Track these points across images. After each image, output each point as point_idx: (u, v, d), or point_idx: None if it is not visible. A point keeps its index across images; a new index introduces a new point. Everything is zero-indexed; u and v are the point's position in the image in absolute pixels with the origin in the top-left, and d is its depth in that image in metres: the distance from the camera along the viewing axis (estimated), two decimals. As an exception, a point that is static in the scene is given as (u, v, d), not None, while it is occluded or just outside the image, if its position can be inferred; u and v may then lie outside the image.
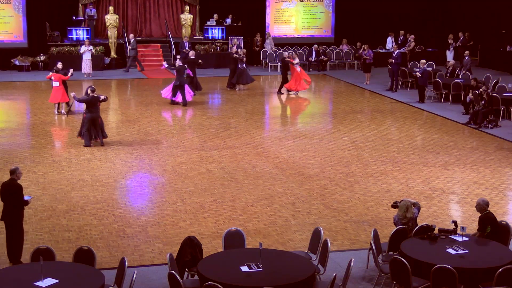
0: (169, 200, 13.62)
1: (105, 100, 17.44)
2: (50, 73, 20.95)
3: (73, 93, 17.79)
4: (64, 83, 20.60)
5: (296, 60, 24.97)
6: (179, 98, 22.13)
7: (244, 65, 25.13)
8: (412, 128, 19.86)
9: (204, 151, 17.03)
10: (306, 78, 25.07)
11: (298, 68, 24.76)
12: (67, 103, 20.83)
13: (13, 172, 10.58)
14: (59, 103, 20.79)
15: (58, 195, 13.78)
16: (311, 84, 25.51)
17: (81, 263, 9.23)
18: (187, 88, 22.35)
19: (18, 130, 19.43)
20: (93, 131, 17.20)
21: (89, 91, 17.10)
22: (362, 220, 12.68)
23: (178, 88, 22.07)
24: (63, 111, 20.83)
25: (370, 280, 10.22)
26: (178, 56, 22.57)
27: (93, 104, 17.00)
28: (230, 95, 25.02)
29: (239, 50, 25.43)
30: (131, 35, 28.83)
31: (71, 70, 20.72)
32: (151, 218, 12.64)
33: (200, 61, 25.00)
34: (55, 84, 20.45)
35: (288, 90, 24.83)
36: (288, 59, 24.76)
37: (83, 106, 17.90)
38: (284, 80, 24.78)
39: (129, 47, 28.71)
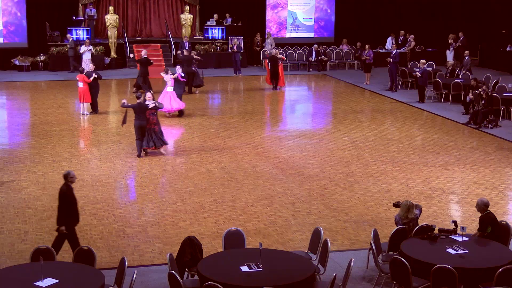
0: (169, 200, 13.62)
1: (156, 108, 16.38)
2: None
3: (124, 100, 16.82)
4: (90, 85, 20.59)
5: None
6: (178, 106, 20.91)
7: (197, 68, 24.65)
8: (412, 128, 19.86)
9: (204, 151, 17.02)
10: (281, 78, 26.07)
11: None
12: (91, 105, 20.92)
13: (65, 176, 10.42)
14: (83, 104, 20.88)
15: (58, 195, 13.76)
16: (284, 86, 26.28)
17: (81, 263, 9.23)
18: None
19: (18, 130, 19.44)
20: (146, 139, 16.40)
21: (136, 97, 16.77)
22: (362, 220, 12.67)
23: (179, 98, 20.94)
24: (85, 111, 20.80)
25: (370, 280, 10.22)
26: (179, 67, 21.41)
27: (139, 111, 16.24)
28: (230, 95, 25.03)
29: (193, 53, 25.03)
30: (68, 35, 28.51)
31: (94, 74, 20.69)
32: (151, 218, 12.64)
33: (151, 60, 24.86)
34: (79, 84, 20.58)
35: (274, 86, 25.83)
36: (280, 57, 25.97)
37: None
38: (275, 76, 25.63)
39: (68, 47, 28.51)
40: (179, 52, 25.83)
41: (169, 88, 20.49)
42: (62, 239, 10.52)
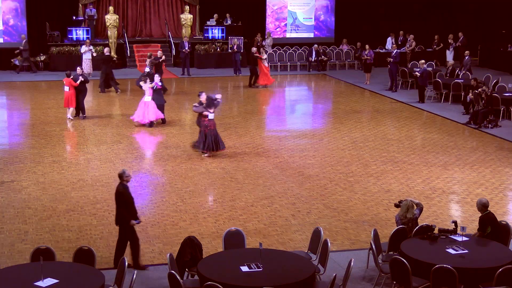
0: (169, 200, 13.62)
1: (200, 109, 16.57)
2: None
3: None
4: (78, 89, 20.12)
5: (264, 56, 26.69)
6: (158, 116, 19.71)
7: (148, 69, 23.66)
8: (412, 128, 19.86)
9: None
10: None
11: (266, 64, 26.42)
12: (75, 108, 20.35)
13: (120, 176, 10.41)
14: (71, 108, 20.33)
15: (58, 195, 13.78)
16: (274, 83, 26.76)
17: (81, 263, 9.24)
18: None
19: (18, 130, 19.43)
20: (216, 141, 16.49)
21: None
22: (362, 220, 12.68)
23: (161, 108, 19.64)
24: (69, 115, 20.24)
25: (370, 280, 10.22)
26: (157, 76, 20.05)
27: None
28: (230, 95, 25.01)
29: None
30: (22, 35, 28.24)
31: (80, 77, 20.14)
32: (151, 218, 12.64)
33: (115, 58, 24.48)
34: (66, 88, 20.07)
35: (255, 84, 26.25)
36: (256, 54, 26.18)
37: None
38: (254, 74, 26.11)
39: (21, 48, 28.12)
40: (160, 52, 25.41)
41: (147, 98, 19.24)
42: (124, 241, 10.50)
